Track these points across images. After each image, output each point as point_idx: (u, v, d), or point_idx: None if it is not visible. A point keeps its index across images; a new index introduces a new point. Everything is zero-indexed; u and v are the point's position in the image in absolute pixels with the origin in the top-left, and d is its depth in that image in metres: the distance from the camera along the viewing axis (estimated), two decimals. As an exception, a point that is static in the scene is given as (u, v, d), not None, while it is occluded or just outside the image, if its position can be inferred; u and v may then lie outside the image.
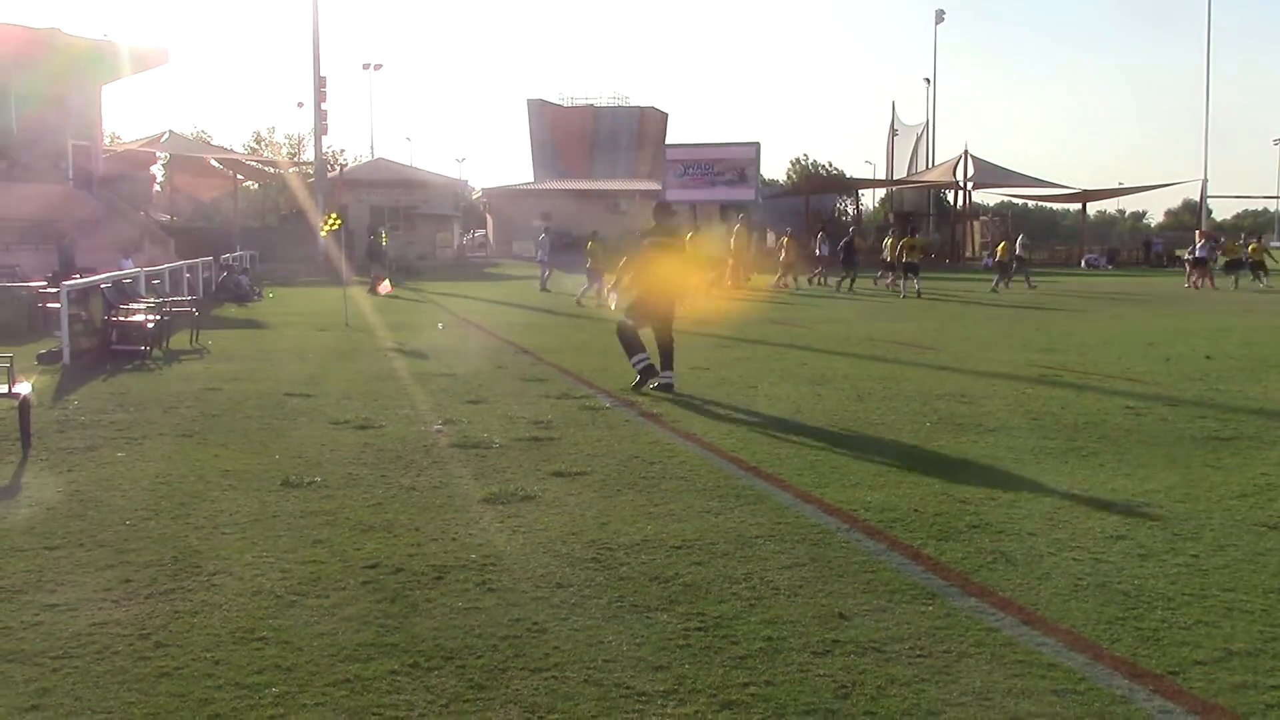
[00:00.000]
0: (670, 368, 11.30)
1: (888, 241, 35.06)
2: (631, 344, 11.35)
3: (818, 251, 39.52)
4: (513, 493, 6.82)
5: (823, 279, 35.97)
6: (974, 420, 9.56)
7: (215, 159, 57.07)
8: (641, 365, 11.25)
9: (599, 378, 12.29)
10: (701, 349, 15.12)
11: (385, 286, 28.52)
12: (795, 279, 34.59)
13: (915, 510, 6.42)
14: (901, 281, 31.13)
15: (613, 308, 11.73)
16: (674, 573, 5.27)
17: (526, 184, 72.08)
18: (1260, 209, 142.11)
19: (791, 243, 34.91)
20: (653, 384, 11.16)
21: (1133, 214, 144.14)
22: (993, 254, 38.26)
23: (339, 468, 7.63)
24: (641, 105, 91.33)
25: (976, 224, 64.87)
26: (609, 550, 5.64)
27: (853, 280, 33.32)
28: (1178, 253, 46.68)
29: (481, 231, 75.28)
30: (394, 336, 17.23)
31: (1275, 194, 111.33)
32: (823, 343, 16.67)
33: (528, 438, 8.72)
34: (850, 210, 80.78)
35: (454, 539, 5.85)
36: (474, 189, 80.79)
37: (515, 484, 7.07)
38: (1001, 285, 32.98)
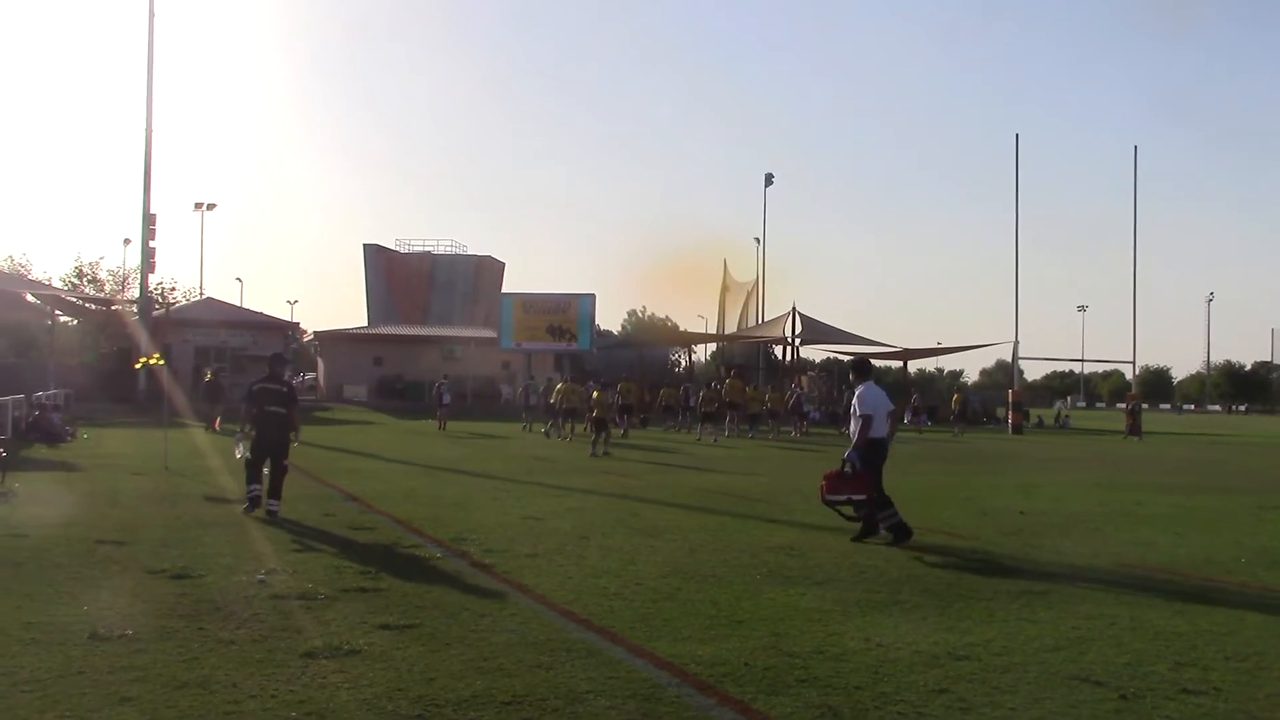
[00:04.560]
0: (277, 497, 12.80)
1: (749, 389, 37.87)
2: (252, 475, 13.01)
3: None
4: (337, 646, 6.61)
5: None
6: (802, 573, 9.71)
7: (33, 294, 54.93)
8: (253, 494, 12.87)
9: (429, 526, 12.11)
10: (534, 498, 15.07)
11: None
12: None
13: (745, 664, 6.46)
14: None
15: (238, 455, 13.58)
16: (503, 730, 5.17)
17: (360, 328, 71.42)
18: (1066, 370, 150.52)
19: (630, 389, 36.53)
20: (259, 511, 12.65)
21: (950, 372, 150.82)
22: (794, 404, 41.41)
23: (152, 620, 7.29)
24: (478, 254, 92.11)
25: (804, 379, 66.84)
26: (436, 707, 5.50)
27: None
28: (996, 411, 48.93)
29: (312, 374, 73.97)
30: (217, 482, 16.67)
31: (1079, 357, 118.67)
32: (654, 493, 16.77)
33: (354, 588, 8.49)
34: (683, 362, 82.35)
35: (274, 696, 5.62)
36: (305, 331, 79.68)
37: (340, 637, 6.86)
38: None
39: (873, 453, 11.85)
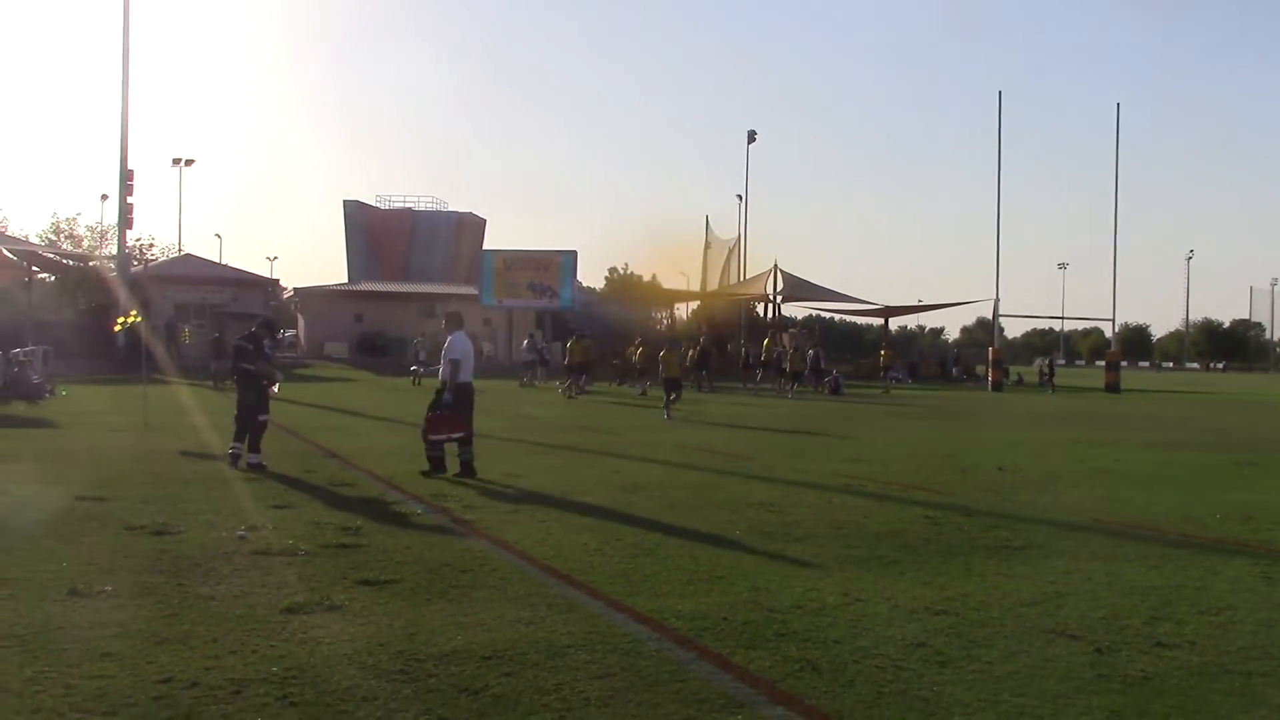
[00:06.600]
0: (255, 450, 13.35)
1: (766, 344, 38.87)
2: (237, 433, 13.49)
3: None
4: (318, 602, 6.63)
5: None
6: (781, 529, 9.76)
7: (9, 249, 54.36)
8: (233, 451, 13.42)
9: (410, 483, 12.11)
10: (514, 455, 15.08)
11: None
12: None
13: (724, 619, 6.50)
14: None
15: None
16: (484, 684, 5.20)
17: (341, 285, 71.02)
18: (1047, 328, 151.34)
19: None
20: (241, 464, 13.19)
21: (932, 330, 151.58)
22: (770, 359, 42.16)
23: (132, 576, 7.28)
24: (459, 210, 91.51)
25: (786, 335, 66.80)
26: (417, 661, 5.52)
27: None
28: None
29: (292, 332, 73.61)
30: (197, 438, 16.63)
31: (1059, 315, 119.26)
32: (635, 450, 16.78)
33: (335, 544, 8.50)
34: (665, 320, 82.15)
35: (254, 651, 5.63)
36: (285, 288, 79.23)
37: (321, 593, 6.87)
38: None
39: (463, 393, 13.24)
